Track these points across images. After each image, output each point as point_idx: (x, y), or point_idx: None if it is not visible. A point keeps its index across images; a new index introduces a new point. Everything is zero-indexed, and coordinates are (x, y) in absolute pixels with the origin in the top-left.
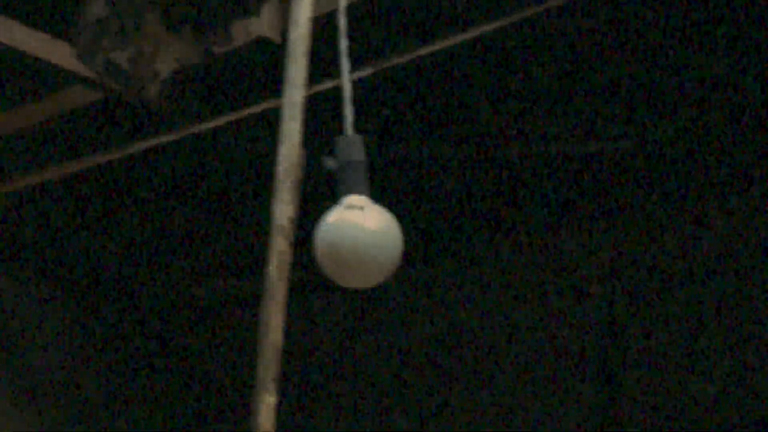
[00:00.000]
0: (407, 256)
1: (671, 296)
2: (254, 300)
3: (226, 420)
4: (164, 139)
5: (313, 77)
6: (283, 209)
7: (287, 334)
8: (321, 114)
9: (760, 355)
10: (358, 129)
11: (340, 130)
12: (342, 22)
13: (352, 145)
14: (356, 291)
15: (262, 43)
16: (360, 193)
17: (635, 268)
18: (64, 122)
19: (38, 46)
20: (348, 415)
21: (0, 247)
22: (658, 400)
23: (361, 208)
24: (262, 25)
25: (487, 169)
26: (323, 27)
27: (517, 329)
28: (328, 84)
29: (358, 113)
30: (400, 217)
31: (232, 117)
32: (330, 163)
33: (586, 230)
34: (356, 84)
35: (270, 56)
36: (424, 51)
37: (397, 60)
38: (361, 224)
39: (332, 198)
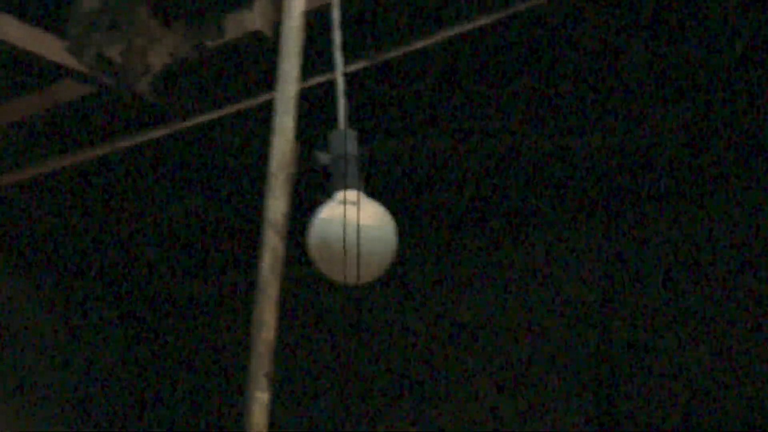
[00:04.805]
0: (401, 252)
1: (668, 297)
2: (247, 296)
3: (220, 417)
4: (156, 133)
5: (306, 71)
6: (276, 204)
7: (280, 330)
8: (315, 108)
9: (757, 354)
10: (352, 123)
11: (334, 125)
12: (336, 15)
13: (345, 139)
14: (350, 287)
15: (254, 36)
16: (354, 187)
17: (632, 267)
18: (55, 116)
19: (29, 39)
20: (341, 413)
21: None
22: (654, 401)
23: (355, 203)
24: (255, 18)
25: (484, 165)
26: (316, 20)
27: (514, 327)
28: (321, 78)
29: (352, 107)
30: (394, 213)
31: (225, 111)
32: (323, 157)
33: (583, 228)
34: (350, 78)
35: (263, 50)
36: (418, 45)
37: (391, 54)
38: (355, 220)
39: (326, 193)
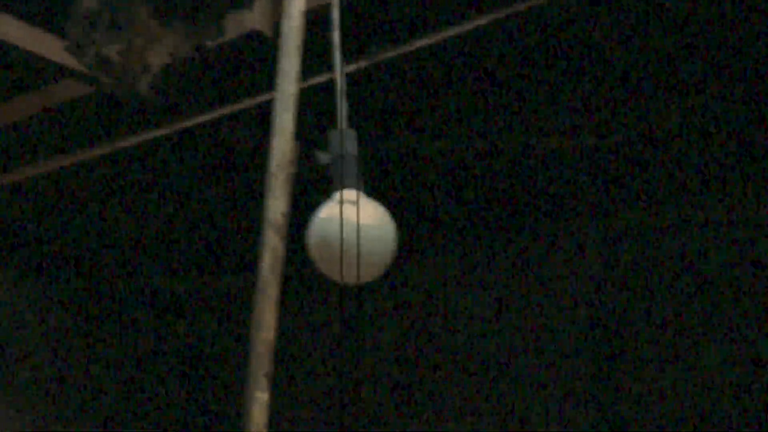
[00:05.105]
0: (401, 252)
1: (665, 294)
2: (246, 296)
3: (220, 417)
4: (156, 133)
5: (306, 71)
6: (276, 204)
7: (279, 330)
8: (315, 108)
9: (753, 353)
10: (352, 123)
11: (334, 125)
12: (336, 15)
13: (345, 139)
14: (350, 287)
15: (254, 36)
16: (353, 187)
17: (632, 267)
18: (55, 116)
19: (29, 39)
20: (340, 412)
21: None
22: (653, 399)
23: (354, 203)
24: (255, 18)
25: (483, 164)
26: (316, 20)
27: (514, 326)
28: (321, 78)
29: (352, 107)
30: (394, 212)
31: (225, 111)
32: (323, 157)
33: (583, 227)
34: (350, 78)
35: (263, 49)
36: (418, 45)
37: (391, 53)
38: (354, 219)
39: (326, 193)
